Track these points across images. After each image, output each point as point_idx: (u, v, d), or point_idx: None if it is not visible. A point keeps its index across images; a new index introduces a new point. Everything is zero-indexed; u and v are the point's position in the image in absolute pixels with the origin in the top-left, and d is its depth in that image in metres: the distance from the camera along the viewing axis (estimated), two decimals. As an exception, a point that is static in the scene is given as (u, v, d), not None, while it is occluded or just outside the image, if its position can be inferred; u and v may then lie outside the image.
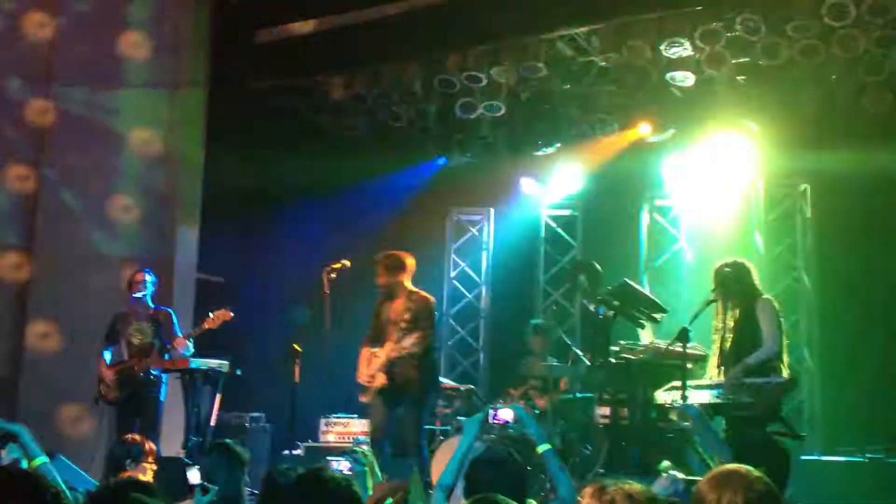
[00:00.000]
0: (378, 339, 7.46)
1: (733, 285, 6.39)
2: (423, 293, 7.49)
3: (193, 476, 4.07)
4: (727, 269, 6.41)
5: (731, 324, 6.43)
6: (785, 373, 6.24)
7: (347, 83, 9.93)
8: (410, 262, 7.54)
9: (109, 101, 9.36)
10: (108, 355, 7.93)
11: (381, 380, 7.29)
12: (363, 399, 7.47)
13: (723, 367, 6.40)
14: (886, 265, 8.56)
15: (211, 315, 7.81)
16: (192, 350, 7.82)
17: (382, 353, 7.33)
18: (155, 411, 7.77)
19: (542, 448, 4.14)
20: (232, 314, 7.79)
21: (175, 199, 9.58)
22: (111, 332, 7.98)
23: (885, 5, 7.73)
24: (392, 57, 9.63)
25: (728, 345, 6.42)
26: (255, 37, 9.93)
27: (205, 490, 4.06)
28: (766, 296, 6.51)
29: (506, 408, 4.49)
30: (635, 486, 2.36)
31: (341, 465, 4.17)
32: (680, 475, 4.78)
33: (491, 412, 4.46)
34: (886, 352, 8.36)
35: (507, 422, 4.48)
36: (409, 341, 7.18)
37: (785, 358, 6.31)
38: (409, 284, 7.48)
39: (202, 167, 9.73)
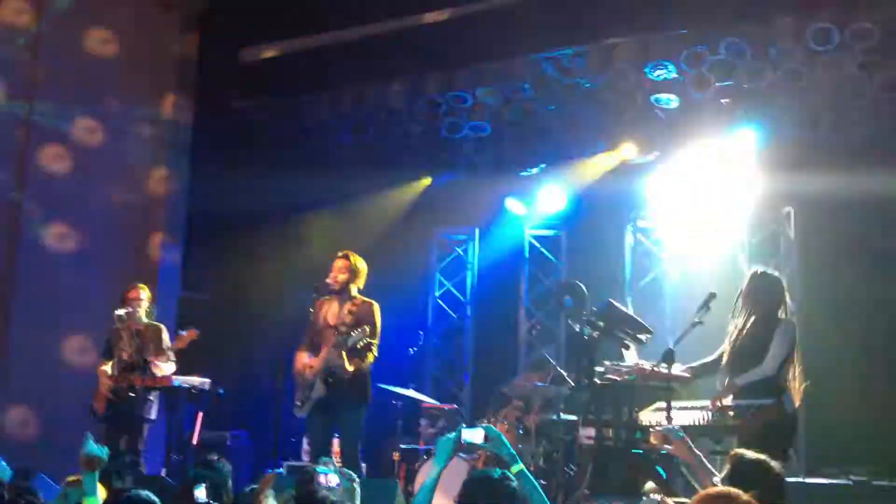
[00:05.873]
0: (314, 345, 7.23)
1: (760, 293, 6.32)
2: (368, 299, 7.29)
3: (200, 494, 3.95)
4: (759, 277, 6.38)
5: (743, 330, 6.35)
6: (796, 399, 6.17)
7: (333, 102, 9.94)
8: (366, 268, 7.38)
9: (93, 119, 9.33)
10: (108, 370, 7.88)
11: (319, 390, 7.08)
12: (299, 413, 7.22)
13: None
14: (870, 289, 8.58)
15: (182, 333, 7.79)
16: (173, 369, 7.77)
17: (318, 359, 7.09)
18: (139, 429, 7.70)
19: (515, 468, 4.12)
20: (198, 332, 7.77)
21: (159, 217, 9.56)
22: (107, 347, 7.95)
23: (868, 30, 7.79)
24: (377, 77, 9.64)
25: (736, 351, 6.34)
26: (239, 56, 9.94)
27: None
28: (790, 318, 6.44)
29: (477, 428, 4.42)
30: None
31: (330, 479, 4.07)
32: (661, 498, 4.75)
33: (464, 431, 4.40)
34: (870, 375, 8.38)
35: (479, 443, 4.40)
36: (355, 338, 6.91)
37: (793, 384, 6.20)
38: (355, 290, 7.32)
39: (187, 185, 9.72)
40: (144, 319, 7.93)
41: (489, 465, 7.09)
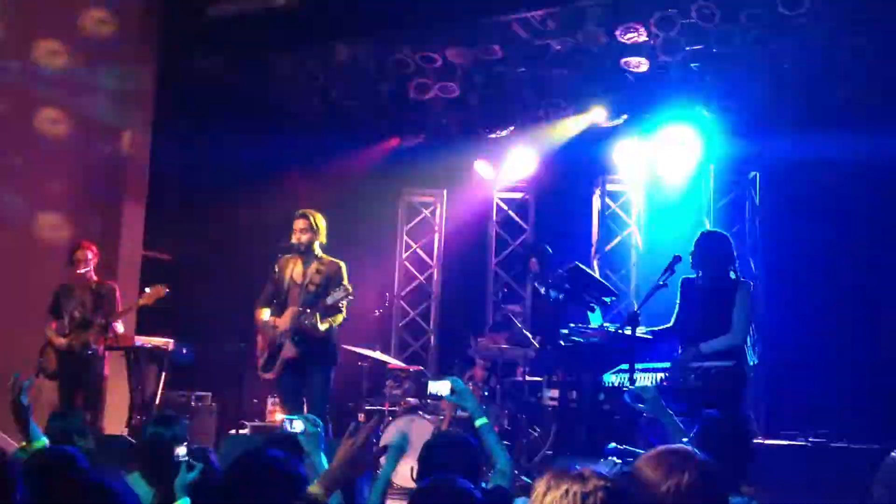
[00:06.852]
0: (278, 304, 7.14)
1: (708, 253, 6.28)
2: (334, 259, 7.19)
3: (181, 451, 3.88)
4: (706, 237, 6.36)
5: (698, 293, 6.32)
6: (751, 359, 6.21)
7: (300, 61, 9.82)
8: (325, 224, 7.25)
9: (55, 74, 9.15)
10: (53, 327, 7.79)
11: (288, 351, 6.98)
12: (267, 375, 7.11)
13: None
14: (833, 253, 8.67)
15: (147, 290, 7.65)
16: (122, 329, 7.69)
17: (285, 319, 7.00)
18: (96, 387, 7.63)
19: (480, 422, 4.13)
20: (167, 290, 7.62)
21: (121, 175, 9.43)
22: (55, 305, 7.82)
23: (838, -4, 7.81)
24: (346, 35, 9.52)
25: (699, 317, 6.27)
26: (206, 11, 9.77)
27: (190, 467, 3.85)
28: (745, 280, 6.42)
29: (443, 380, 4.40)
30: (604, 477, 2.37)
31: (295, 426, 4.02)
32: (618, 460, 4.78)
33: (430, 383, 4.39)
34: (831, 338, 8.49)
35: (444, 395, 4.40)
36: (336, 297, 6.81)
37: (749, 342, 6.23)
38: (319, 248, 7.21)
39: (149, 143, 9.58)
40: (95, 278, 7.84)
41: (453, 427, 7.13)
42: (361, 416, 8.43)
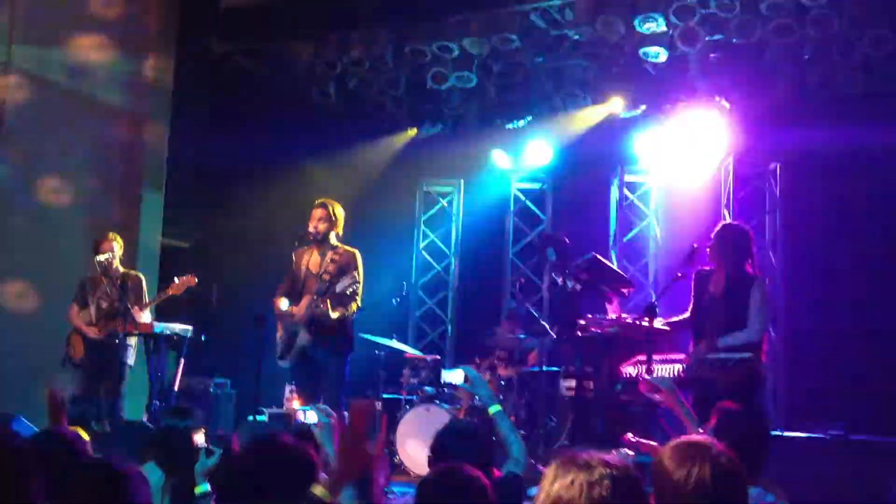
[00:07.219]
0: (296, 294, 7.21)
1: (726, 246, 6.26)
2: (350, 247, 7.25)
3: (200, 438, 3.89)
4: (725, 229, 6.32)
5: (715, 286, 6.26)
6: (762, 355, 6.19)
7: (317, 50, 9.81)
8: (343, 215, 7.31)
9: (72, 62, 9.17)
10: (83, 317, 7.84)
11: (303, 338, 7.06)
12: (283, 363, 7.21)
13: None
14: (853, 245, 8.62)
15: (176, 280, 7.73)
16: (149, 319, 7.74)
17: (301, 307, 7.06)
18: (120, 375, 7.69)
19: (493, 409, 4.14)
20: (196, 280, 7.70)
21: (140, 163, 9.46)
22: (81, 295, 7.88)
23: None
24: (362, 24, 9.51)
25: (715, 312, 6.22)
26: (222, 1, 9.79)
27: (209, 453, 3.88)
28: (763, 276, 6.37)
29: (456, 369, 4.42)
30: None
31: (308, 417, 4.04)
32: (631, 452, 4.78)
33: (443, 372, 4.41)
34: (851, 331, 8.44)
35: (458, 383, 4.41)
36: (343, 284, 6.86)
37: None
38: (335, 238, 7.27)
39: (168, 131, 9.61)
40: (121, 269, 7.89)
41: (470, 416, 7.14)
42: (378, 405, 8.44)
